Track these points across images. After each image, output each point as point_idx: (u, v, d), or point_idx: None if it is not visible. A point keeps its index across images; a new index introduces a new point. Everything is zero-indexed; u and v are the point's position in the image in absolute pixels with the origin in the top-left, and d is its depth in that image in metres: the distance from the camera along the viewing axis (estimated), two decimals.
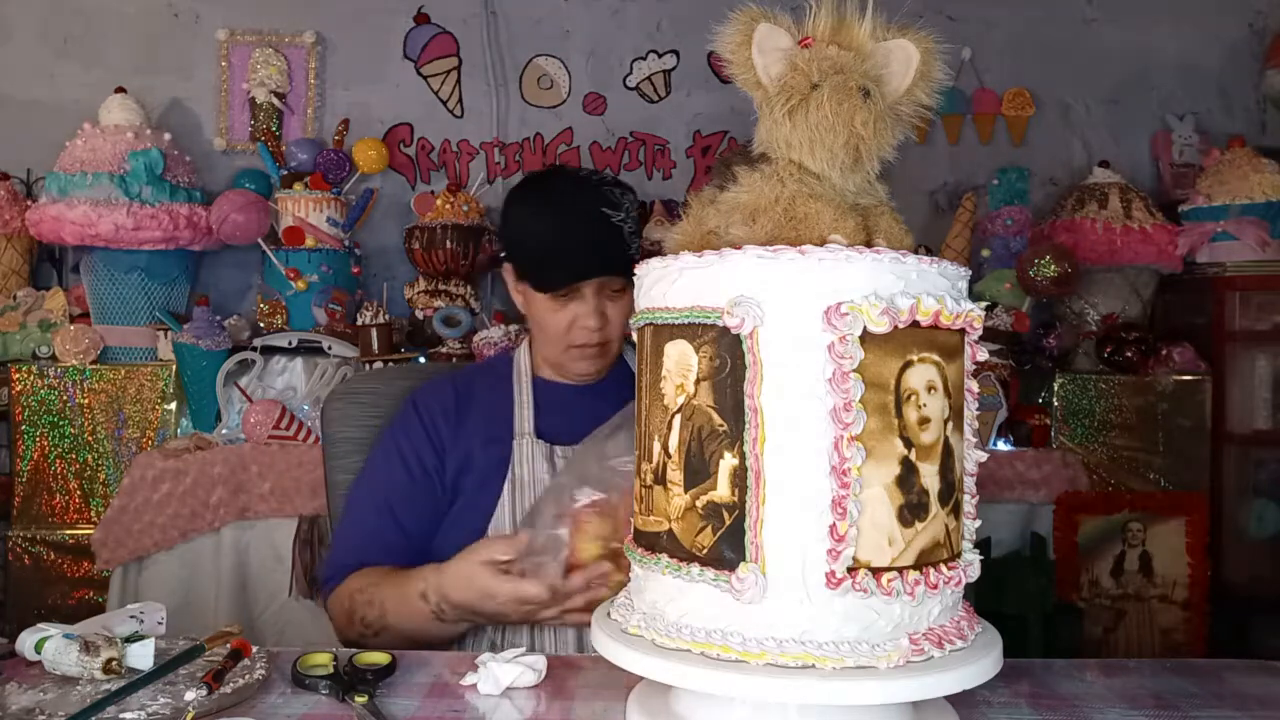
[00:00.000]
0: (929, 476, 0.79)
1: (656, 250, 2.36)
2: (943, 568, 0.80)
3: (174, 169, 2.75)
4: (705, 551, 0.80)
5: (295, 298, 2.78)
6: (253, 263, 2.93)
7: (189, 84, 3.10)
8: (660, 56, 3.17)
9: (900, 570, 0.78)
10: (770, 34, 0.85)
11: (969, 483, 0.86)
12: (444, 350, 2.63)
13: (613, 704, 0.94)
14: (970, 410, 0.86)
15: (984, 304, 0.86)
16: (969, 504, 0.86)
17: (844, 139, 0.83)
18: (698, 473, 0.80)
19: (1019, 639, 2.17)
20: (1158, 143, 3.16)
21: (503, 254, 1.47)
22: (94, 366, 2.60)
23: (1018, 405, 2.59)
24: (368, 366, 2.50)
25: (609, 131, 3.15)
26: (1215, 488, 2.63)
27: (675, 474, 0.82)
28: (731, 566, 0.78)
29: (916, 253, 0.81)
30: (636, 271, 0.90)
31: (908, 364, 0.78)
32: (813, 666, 0.77)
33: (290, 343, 2.61)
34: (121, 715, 0.87)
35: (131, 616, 1.08)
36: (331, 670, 0.99)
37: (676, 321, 0.82)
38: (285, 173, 2.90)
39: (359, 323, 2.62)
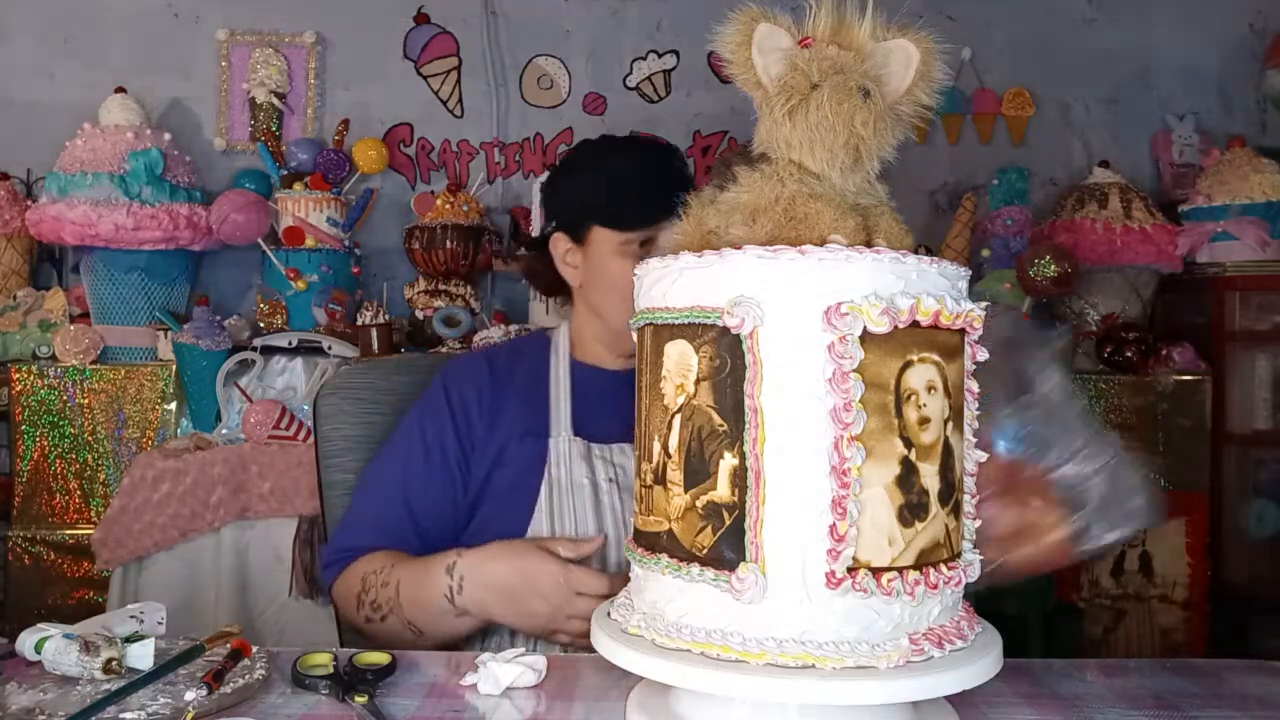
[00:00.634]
0: (929, 476, 0.79)
1: None
2: (943, 568, 0.80)
3: (174, 169, 2.75)
4: (705, 551, 0.80)
5: (295, 298, 2.78)
6: (253, 263, 2.93)
7: (189, 84, 3.10)
8: (660, 56, 3.17)
9: (900, 570, 0.78)
10: (770, 34, 0.84)
11: (969, 483, 0.86)
12: (444, 350, 2.63)
13: (613, 704, 0.94)
14: (970, 410, 0.86)
15: (984, 304, 0.85)
16: (969, 504, 0.86)
17: (844, 139, 0.82)
18: (698, 473, 0.80)
19: (1019, 639, 2.16)
20: (1158, 143, 3.16)
21: (549, 228, 1.40)
22: (94, 366, 2.60)
23: None
24: None
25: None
26: (1215, 488, 2.62)
27: (675, 474, 0.82)
28: (731, 566, 0.78)
29: (916, 253, 0.81)
30: (637, 271, 0.90)
31: (908, 364, 0.78)
32: (813, 666, 0.77)
33: (290, 343, 2.61)
34: (121, 715, 0.87)
35: (131, 616, 1.08)
36: (331, 670, 0.99)
37: (676, 321, 0.82)
38: (285, 173, 2.90)
39: (359, 323, 2.62)
